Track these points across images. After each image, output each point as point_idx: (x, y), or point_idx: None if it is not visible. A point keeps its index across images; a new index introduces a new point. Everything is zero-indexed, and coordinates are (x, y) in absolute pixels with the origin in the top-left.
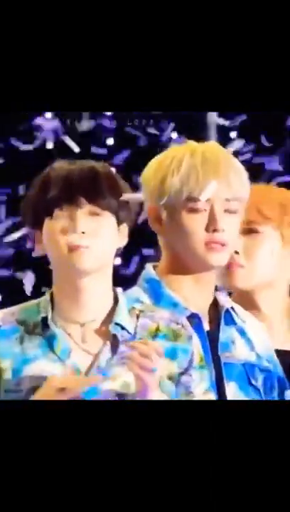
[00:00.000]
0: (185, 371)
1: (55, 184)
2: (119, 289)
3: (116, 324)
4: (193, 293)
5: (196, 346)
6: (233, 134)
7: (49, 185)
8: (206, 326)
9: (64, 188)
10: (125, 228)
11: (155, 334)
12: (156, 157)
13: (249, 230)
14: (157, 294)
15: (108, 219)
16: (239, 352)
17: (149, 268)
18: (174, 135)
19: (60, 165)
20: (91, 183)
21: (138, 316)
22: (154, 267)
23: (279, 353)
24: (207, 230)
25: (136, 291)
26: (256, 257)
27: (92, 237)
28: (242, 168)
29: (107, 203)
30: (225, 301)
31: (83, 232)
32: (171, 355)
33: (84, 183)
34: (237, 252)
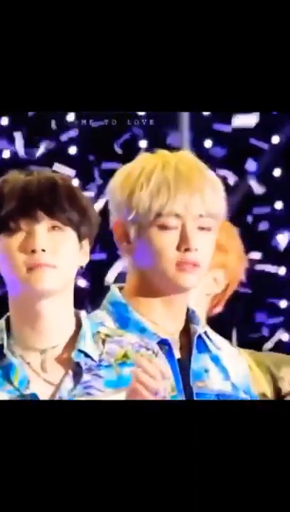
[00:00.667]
0: None
1: (10, 197)
2: (83, 313)
3: (80, 351)
4: (163, 317)
5: (169, 374)
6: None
7: (3, 199)
8: (177, 354)
9: (21, 201)
10: (87, 245)
11: (123, 361)
12: (123, 166)
13: None
14: (123, 319)
15: (69, 235)
16: (212, 381)
17: (115, 290)
18: (143, 143)
19: (15, 176)
20: (50, 196)
21: (103, 341)
22: (120, 289)
23: None
24: (178, 248)
25: (100, 314)
26: None
27: (53, 254)
28: (217, 181)
29: (68, 217)
30: (197, 327)
31: (43, 250)
32: None
33: (43, 195)
34: None
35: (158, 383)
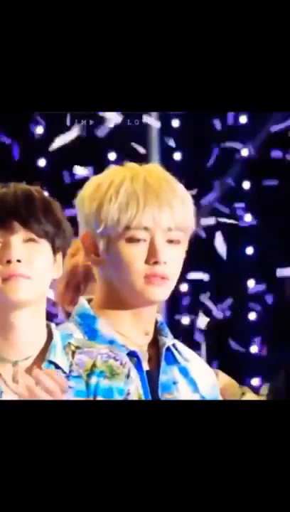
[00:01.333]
0: None
1: None
2: (53, 325)
3: (50, 362)
4: (131, 329)
5: (135, 386)
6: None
7: None
8: (145, 366)
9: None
10: (60, 258)
11: (91, 371)
12: (92, 178)
13: None
14: (92, 331)
15: (44, 247)
16: (181, 393)
17: (83, 302)
18: (112, 156)
19: None
20: (26, 208)
21: (73, 353)
22: (89, 301)
23: None
24: (147, 262)
25: (69, 326)
26: None
27: (28, 265)
28: (186, 194)
29: (43, 229)
30: (166, 339)
31: (18, 261)
32: (107, 395)
33: (19, 207)
34: None
35: (57, 397)
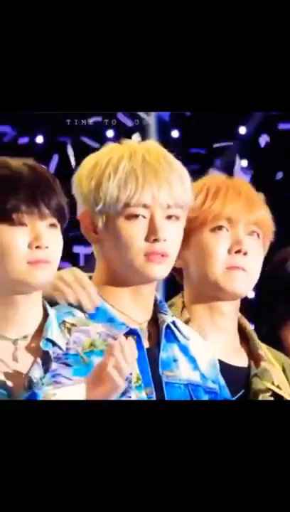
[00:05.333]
0: (124, 393)
1: (15, 187)
2: (46, 303)
3: (48, 340)
4: (131, 307)
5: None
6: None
7: (9, 185)
8: (145, 343)
9: (29, 194)
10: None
11: (90, 350)
12: (90, 156)
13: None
14: None
15: (59, 232)
16: (181, 371)
17: None
18: (110, 133)
19: (5, 161)
20: (52, 191)
21: (69, 331)
22: (89, 278)
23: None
24: (147, 239)
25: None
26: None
27: (52, 251)
28: (184, 171)
29: (61, 212)
30: (166, 316)
31: (47, 247)
32: None
33: (47, 190)
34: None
35: (130, 366)
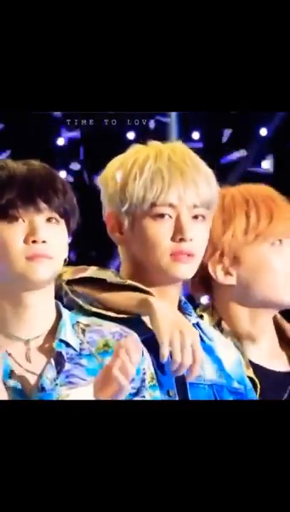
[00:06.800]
0: (137, 392)
1: (9, 184)
2: (60, 304)
3: (61, 341)
4: None
5: (147, 364)
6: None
7: (3, 183)
8: None
9: (22, 190)
10: (69, 239)
11: (104, 350)
12: (116, 158)
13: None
14: None
15: (63, 227)
16: (206, 372)
17: None
18: (131, 135)
19: (5, 163)
20: (51, 186)
21: (83, 331)
22: None
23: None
24: (173, 239)
25: None
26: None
27: (51, 246)
28: (210, 171)
29: (65, 208)
30: (190, 317)
31: (44, 241)
32: None
33: (44, 185)
34: None
35: (135, 366)
